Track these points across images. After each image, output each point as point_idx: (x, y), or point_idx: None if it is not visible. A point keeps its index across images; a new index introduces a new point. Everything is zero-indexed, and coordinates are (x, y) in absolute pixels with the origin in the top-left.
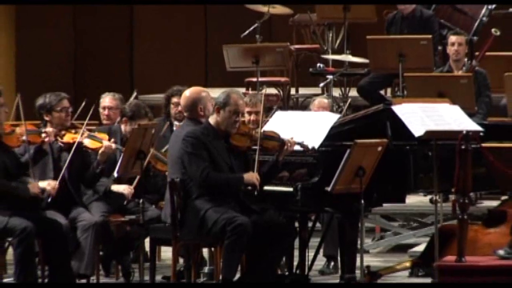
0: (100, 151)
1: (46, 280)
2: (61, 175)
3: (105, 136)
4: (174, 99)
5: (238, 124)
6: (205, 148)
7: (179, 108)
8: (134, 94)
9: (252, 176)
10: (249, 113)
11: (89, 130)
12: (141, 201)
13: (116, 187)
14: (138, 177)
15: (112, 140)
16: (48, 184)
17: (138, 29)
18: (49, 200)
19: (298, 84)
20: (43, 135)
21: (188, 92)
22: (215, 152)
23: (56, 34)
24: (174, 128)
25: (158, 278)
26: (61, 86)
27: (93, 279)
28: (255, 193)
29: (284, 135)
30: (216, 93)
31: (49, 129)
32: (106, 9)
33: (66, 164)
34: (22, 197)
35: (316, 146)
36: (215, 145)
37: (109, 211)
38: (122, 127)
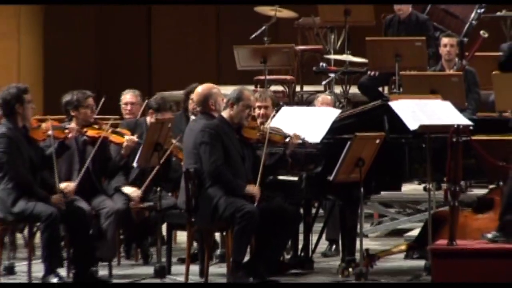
0: (123, 145)
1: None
2: (85, 166)
3: (127, 132)
4: (193, 95)
5: (249, 118)
6: (221, 139)
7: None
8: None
9: (253, 189)
10: (259, 107)
11: (112, 126)
12: (158, 189)
13: (126, 189)
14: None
15: (136, 135)
16: (66, 187)
17: (156, 32)
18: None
19: (302, 82)
20: (67, 131)
21: (200, 89)
22: (229, 143)
23: (80, 36)
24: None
25: (174, 260)
26: (84, 83)
27: (114, 262)
28: (254, 204)
29: (289, 129)
30: (227, 90)
31: (73, 125)
32: (126, 12)
33: (90, 157)
34: (41, 200)
35: (318, 140)
36: (229, 137)
37: (130, 199)
38: (148, 119)
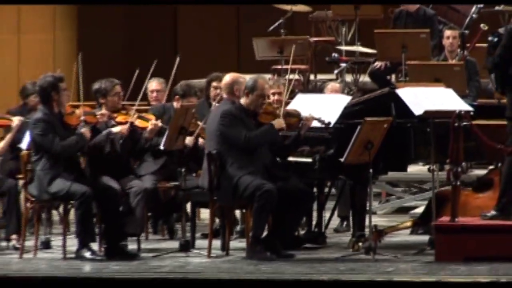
0: (148, 129)
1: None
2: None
3: (152, 116)
4: (214, 83)
5: (264, 105)
6: (240, 122)
7: (217, 91)
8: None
9: (279, 123)
10: (273, 94)
11: (138, 111)
12: (183, 170)
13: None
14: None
15: (160, 120)
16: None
17: (182, 26)
18: (121, 141)
19: (316, 70)
20: (98, 116)
21: (228, 76)
22: (247, 127)
23: (110, 30)
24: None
25: (198, 235)
26: (114, 73)
27: (142, 237)
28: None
29: (304, 112)
30: (247, 78)
31: (103, 111)
32: (153, 8)
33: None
34: (82, 145)
35: (332, 122)
36: (246, 122)
37: (158, 179)
38: (174, 104)
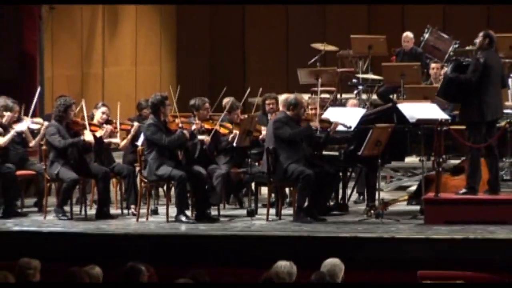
0: (229, 135)
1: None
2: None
3: (229, 125)
4: (267, 101)
5: (303, 116)
6: (286, 125)
7: (270, 105)
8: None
9: (314, 124)
10: (311, 109)
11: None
12: (249, 160)
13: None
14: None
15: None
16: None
17: (248, 60)
18: (205, 146)
19: (341, 91)
20: (195, 124)
21: (284, 96)
22: (291, 128)
23: (199, 61)
24: (269, 118)
25: (260, 205)
26: (200, 93)
27: (221, 206)
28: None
29: (333, 119)
30: (291, 97)
31: (198, 121)
32: (227, 45)
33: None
34: (182, 142)
35: (353, 127)
36: (292, 126)
37: (231, 166)
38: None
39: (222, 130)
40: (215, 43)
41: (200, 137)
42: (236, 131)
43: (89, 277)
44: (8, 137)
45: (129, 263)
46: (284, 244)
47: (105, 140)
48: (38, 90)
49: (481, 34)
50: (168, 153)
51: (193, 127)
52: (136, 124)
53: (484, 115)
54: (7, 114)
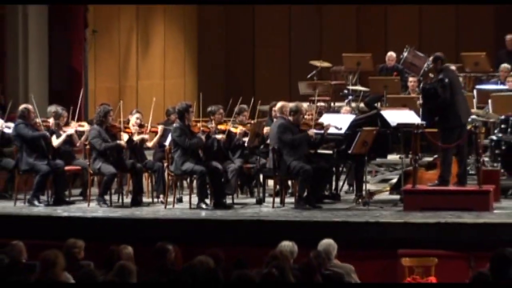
0: (238, 133)
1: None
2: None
3: (240, 125)
4: (274, 108)
5: (303, 121)
6: (289, 131)
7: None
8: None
9: (311, 132)
10: (308, 114)
11: (233, 122)
12: (258, 158)
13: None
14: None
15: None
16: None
17: (257, 72)
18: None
19: (335, 100)
20: (211, 127)
21: (280, 104)
22: (293, 133)
23: (214, 76)
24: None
25: (267, 195)
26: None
27: (235, 195)
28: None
29: (327, 123)
30: (291, 104)
31: (213, 124)
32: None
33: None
34: (202, 144)
35: (344, 129)
36: (293, 130)
37: (243, 162)
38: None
39: (234, 130)
40: (229, 60)
41: (217, 136)
42: (244, 128)
43: (123, 254)
44: (60, 139)
45: (158, 243)
46: (287, 227)
47: (136, 138)
48: (82, 97)
49: (431, 59)
50: (190, 151)
51: (210, 128)
52: (161, 126)
53: (460, 118)
54: (51, 120)
